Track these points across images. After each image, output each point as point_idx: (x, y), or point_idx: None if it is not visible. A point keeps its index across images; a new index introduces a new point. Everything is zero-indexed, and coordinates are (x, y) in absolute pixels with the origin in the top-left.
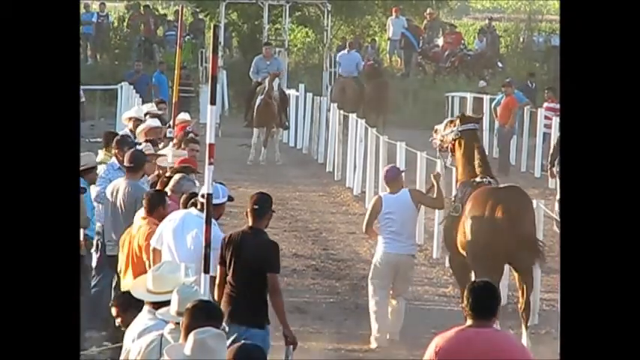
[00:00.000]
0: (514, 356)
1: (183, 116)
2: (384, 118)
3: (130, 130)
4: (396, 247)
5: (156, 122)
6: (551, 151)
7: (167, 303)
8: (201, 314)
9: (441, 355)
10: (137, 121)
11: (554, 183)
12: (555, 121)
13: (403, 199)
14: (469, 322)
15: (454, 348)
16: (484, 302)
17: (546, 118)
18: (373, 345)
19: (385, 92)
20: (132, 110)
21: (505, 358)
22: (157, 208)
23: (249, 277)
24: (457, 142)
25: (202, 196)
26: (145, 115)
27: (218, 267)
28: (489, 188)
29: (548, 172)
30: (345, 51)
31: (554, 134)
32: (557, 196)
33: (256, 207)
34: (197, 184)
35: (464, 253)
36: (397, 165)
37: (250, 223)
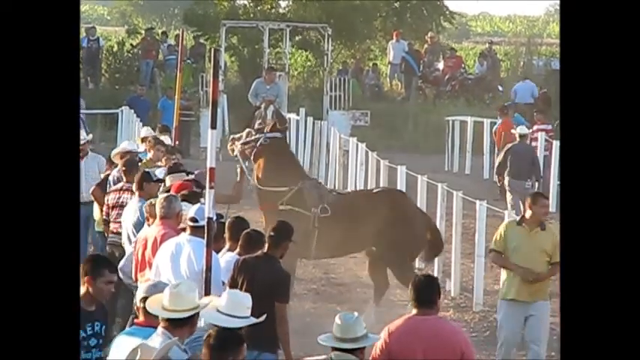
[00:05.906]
0: (453, 339)
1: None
2: None
3: None
4: None
5: (132, 145)
6: (498, 161)
7: (181, 321)
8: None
9: (392, 340)
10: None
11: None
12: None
13: None
14: (414, 311)
15: (403, 333)
16: (425, 293)
17: (534, 140)
18: None
19: None
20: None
21: (446, 341)
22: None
23: (260, 304)
24: (264, 147)
25: (191, 219)
26: (143, 140)
27: (227, 289)
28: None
29: (499, 184)
30: (521, 82)
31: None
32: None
33: (272, 234)
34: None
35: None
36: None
37: (266, 250)
